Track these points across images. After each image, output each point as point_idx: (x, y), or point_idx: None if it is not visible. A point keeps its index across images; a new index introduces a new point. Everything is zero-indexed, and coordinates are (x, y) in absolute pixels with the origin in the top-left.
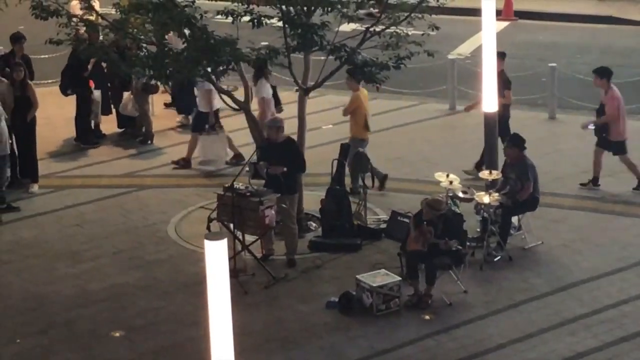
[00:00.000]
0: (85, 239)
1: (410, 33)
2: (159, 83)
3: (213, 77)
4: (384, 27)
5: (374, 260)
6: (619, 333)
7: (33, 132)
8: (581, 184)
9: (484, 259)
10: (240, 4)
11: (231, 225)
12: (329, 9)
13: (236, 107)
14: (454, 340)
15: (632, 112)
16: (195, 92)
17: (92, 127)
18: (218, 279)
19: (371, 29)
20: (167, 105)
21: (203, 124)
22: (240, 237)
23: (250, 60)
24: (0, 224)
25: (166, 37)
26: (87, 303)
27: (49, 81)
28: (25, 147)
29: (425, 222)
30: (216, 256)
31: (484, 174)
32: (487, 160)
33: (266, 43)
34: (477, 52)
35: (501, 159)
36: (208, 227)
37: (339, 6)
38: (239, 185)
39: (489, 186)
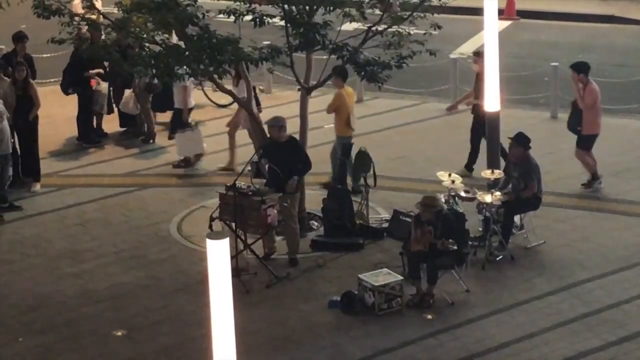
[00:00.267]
0: (87, 238)
1: (412, 32)
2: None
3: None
4: (386, 26)
5: (376, 260)
6: (621, 333)
7: (35, 131)
8: (582, 185)
9: (486, 258)
10: (242, 3)
11: (233, 225)
12: (331, 8)
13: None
14: (456, 339)
15: (633, 111)
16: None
17: (94, 126)
18: (220, 278)
19: (373, 28)
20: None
21: (181, 121)
22: (242, 236)
23: (252, 60)
24: (2, 223)
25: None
26: (89, 302)
27: (51, 80)
28: (27, 146)
29: (425, 223)
30: (218, 255)
31: (486, 173)
32: (489, 158)
33: (268, 42)
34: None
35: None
36: (210, 227)
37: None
38: (241, 184)
39: (491, 185)
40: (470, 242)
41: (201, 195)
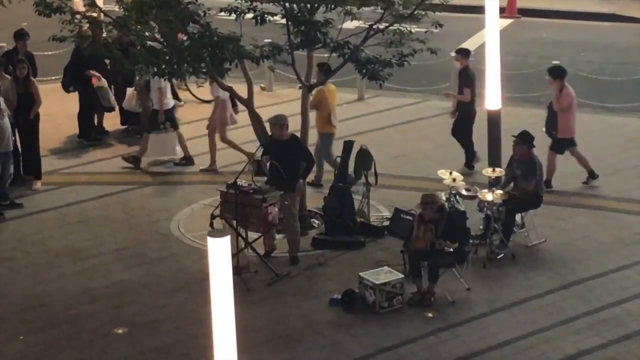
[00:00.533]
0: (89, 236)
1: (413, 30)
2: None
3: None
4: (387, 24)
5: (376, 258)
6: (622, 331)
7: (36, 129)
8: (583, 183)
9: (487, 256)
10: (243, 1)
11: (234, 223)
12: (333, 6)
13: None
14: (457, 337)
15: (634, 110)
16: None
17: (95, 124)
18: (221, 276)
19: (374, 27)
20: None
21: (156, 122)
22: (243, 234)
23: (253, 58)
24: (3, 221)
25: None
26: (90, 300)
27: (52, 78)
28: (28, 144)
29: (429, 221)
30: (219, 253)
31: (487, 171)
32: (490, 156)
33: (269, 40)
34: (480, 50)
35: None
36: (211, 224)
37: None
38: (242, 182)
39: (492, 183)
40: (471, 241)
41: (202, 193)
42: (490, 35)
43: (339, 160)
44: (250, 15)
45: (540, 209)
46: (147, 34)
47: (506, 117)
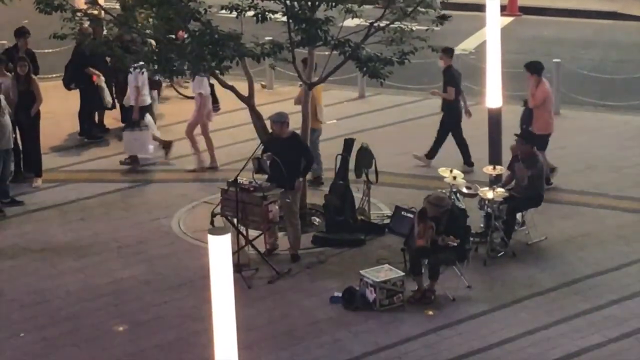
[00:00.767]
0: (89, 233)
1: (414, 28)
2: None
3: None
4: (388, 22)
5: (377, 256)
6: (622, 329)
7: (37, 127)
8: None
9: (488, 254)
10: None
11: (235, 220)
12: (333, 4)
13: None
14: (457, 335)
15: (634, 108)
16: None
17: (96, 121)
18: (222, 274)
19: (375, 24)
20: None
21: (142, 117)
22: (244, 232)
23: (254, 55)
24: (4, 218)
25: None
26: (91, 297)
27: (53, 75)
28: (29, 142)
29: (429, 219)
30: (220, 251)
31: (488, 169)
32: (490, 154)
33: (270, 38)
34: (481, 48)
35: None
36: (212, 222)
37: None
38: (243, 180)
39: (493, 181)
40: (471, 239)
41: (203, 190)
42: (491, 33)
43: (339, 158)
44: (251, 13)
45: (541, 207)
46: (147, 31)
47: (507, 115)
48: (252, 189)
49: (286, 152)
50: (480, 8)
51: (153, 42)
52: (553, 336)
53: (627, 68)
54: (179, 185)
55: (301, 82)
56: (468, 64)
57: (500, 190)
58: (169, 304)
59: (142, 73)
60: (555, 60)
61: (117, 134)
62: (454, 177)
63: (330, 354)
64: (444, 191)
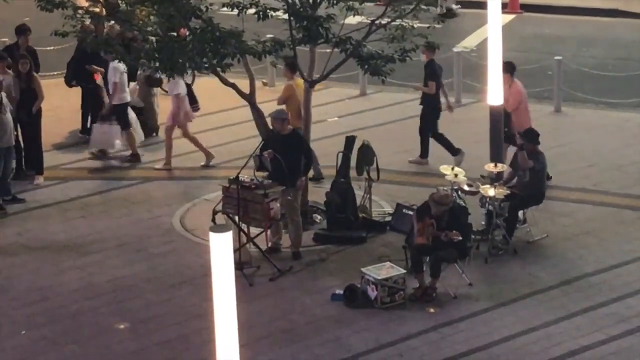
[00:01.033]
0: (90, 231)
1: (415, 26)
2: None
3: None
4: (389, 19)
5: (379, 253)
6: (624, 326)
7: (38, 124)
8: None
9: (489, 252)
10: None
11: (236, 218)
12: (335, 1)
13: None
14: (459, 333)
15: (636, 105)
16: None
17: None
18: (223, 271)
19: (377, 22)
20: None
21: (123, 115)
22: (245, 230)
23: (255, 53)
24: (5, 216)
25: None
26: (92, 295)
27: (54, 73)
28: (31, 139)
29: (429, 216)
30: (221, 248)
31: (489, 166)
32: (492, 152)
33: (271, 35)
34: (482, 45)
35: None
36: (213, 220)
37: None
38: (244, 177)
39: (494, 179)
40: (473, 236)
41: (204, 188)
42: (492, 31)
43: (341, 155)
44: (252, 11)
45: (542, 205)
46: (149, 29)
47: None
48: (253, 186)
49: (286, 149)
50: (482, 5)
51: (154, 39)
52: (554, 334)
53: (629, 65)
54: (180, 183)
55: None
56: (469, 62)
57: (501, 188)
58: (170, 302)
59: (124, 71)
60: (556, 57)
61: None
62: (456, 175)
63: (331, 351)
64: (445, 189)
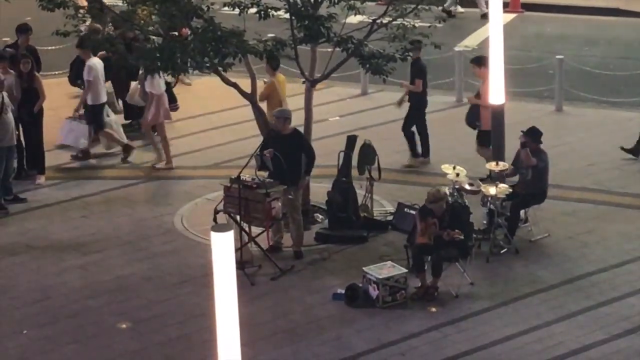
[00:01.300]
0: (92, 230)
1: (417, 25)
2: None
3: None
4: (390, 19)
5: (380, 252)
6: (625, 325)
7: (40, 124)
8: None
9: (491, 251)
10: None
11: (237, 217)
12: (336, 0)
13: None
14: (460, 332)
15: (637, 104)
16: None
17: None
18: (224, 271)
19: (378, 21)
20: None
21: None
22: (247, 229)
23: (256, 52)
24: (6, 215)
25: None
26: (94, 294)
27: (56, 72)
28: (32, 139)
29: (432, 215)
30: (222, 248)
31: (491, 165)
32: (494, 151)
33: (273, 35)
34: (484, 45)
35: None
36: (214, 219)
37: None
38: (246, 176)
39: (495, 178)
40: (474, 235)
41: (205, 187)
42: (494, 30)
43: (342, 154)
44: (253, 10)
45: (544, 204)
46: (150, 28)
47: (510, 112)
48: (254, 185)
49: (287, 149)
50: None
51: (156, 38)
52: (556, 333)
53: (630, 64)
54: (182, 182)
55: (304, 79)
56: None
57: (503, 186)
58: (171, 301)
59: (101, 71)
60: (558, 57)
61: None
62: (457, 174)
63: (332, 351)
64: (445, 188)
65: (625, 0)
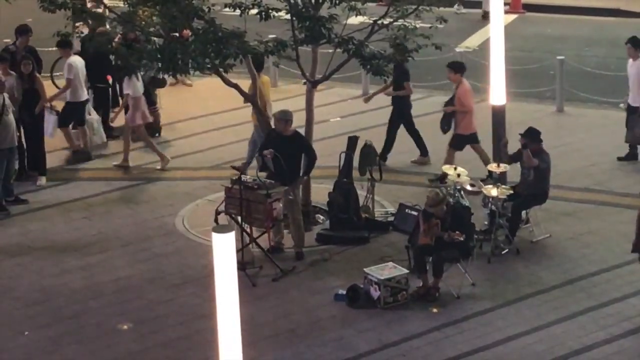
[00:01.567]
0: (93, 231)
1: (418, 26)
2: (166, 76)
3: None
4: (391, 20)
5: (381, 253)
6: (627, 326)
7: (41, 125)
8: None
9: (492, 251)
10: None
11: (239, 218)
12: (337, 1)
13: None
14: (462, 332)
15: None
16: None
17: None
18: (226, 272)
19: (379, 22)
20: None
21: (76, 114)
22: (248, 230)
23: (257, 53)
24: (8, 217)
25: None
26: (95, 296)
27: (57, 74)
28: (33, 140)
29: (433, 217)
30: (224, 249)
31: (492, 166)
32: (494, 151)
33: (274, 36)
34: (485, 45)
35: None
36: (216, 220)
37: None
38: (247, 177)
39: (496, 179)
40: (476, 236)
41: (206, 188)
42: (494, 31)
43: (343, 155)
44: (254, 11)
45: (545, 204)
46: (151, 29)
47: (511, 112)
48: (256, 186)
49: (287, 150)
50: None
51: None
52: (557, 333)
53: None
54: (183, 184)
55: (305, 80)
56: (472, 62)
57: (504, 187)
58: (172, 302)
59: (82, 69)
60: (558, 57)
61: (120, 133)
62: (458, 175)
63: (334, 351)
64: (442, 189)
65: (626, 0)
